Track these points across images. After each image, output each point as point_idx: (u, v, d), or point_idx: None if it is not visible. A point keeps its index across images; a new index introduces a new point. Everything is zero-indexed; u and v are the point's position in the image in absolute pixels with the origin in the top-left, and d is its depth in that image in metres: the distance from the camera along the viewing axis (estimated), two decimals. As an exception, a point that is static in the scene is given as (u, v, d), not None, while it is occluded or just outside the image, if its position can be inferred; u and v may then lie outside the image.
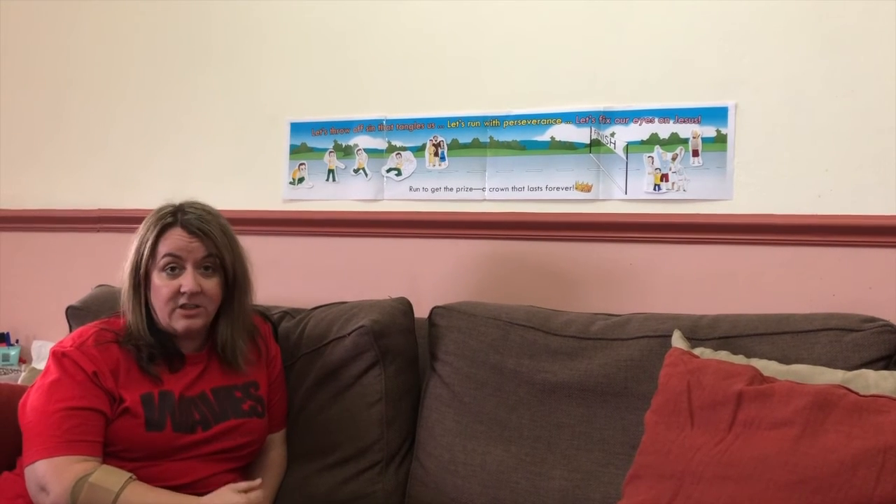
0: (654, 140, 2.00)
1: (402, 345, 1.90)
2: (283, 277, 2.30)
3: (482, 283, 2.14)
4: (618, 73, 2.04)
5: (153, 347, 1.64)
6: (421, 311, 1.97)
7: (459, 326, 1.87)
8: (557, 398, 1.75)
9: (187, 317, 1.64)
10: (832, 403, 1.36)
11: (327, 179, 2.32)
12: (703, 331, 1.69)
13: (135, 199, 2.51)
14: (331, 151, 2.32)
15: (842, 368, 1.52)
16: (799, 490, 1.29)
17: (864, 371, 1.49)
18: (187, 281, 1.62)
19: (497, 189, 2.14)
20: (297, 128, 2.36)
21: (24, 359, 2.64)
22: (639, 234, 2.01)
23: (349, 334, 1.86)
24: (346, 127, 2.30)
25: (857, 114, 1.83)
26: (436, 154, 2.21)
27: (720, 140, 1.95)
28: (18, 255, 2.72)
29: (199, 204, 1.71)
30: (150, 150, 2.55)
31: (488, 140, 2.15)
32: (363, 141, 2.28)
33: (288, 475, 1.84)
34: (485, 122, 2.16)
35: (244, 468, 1.76)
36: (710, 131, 1.95)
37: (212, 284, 1.66)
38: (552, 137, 2.09)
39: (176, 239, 1.64)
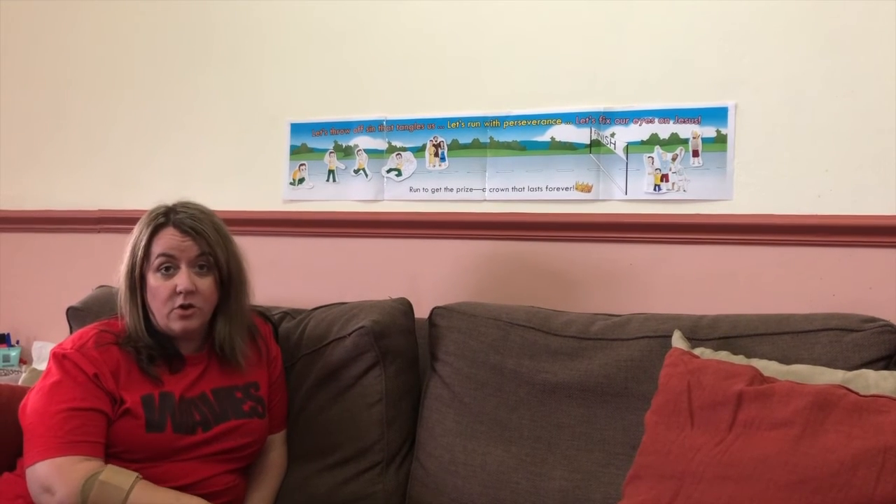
0: (654, 140, 2.01)
1: (403, 345, 1.91)
2: (283, 278, 2.30)
3: (482, 283, 2.14)
4: (618, 74, 2.04)
5: (152, 349, 1.65)
6: (421, 312, 1.97)
7: (460, 327, 1.87)
8: (558, 398, 1.75)
9: (184, 318, 1.64)
10: (832, 403, 1.36)
11: (327, 180, 2.32)
12: (703, 331, 1.69)
13: (135, 199, 2.51)
14: (331, 152, 2.32)
15: (842, 368, 1.52)
16: (799, 490, 1.29)
17: (864, 371, 1.49)
18: (182, 280, 1.62)
19: (497, 189, 2.14)
20: (297, 128, 2.36)
21: (24, 360, 2.64)
22: (639, 235, 2.01)
23: (349, 335, 1.86)
24: (347, 127, 2.30)
25: (857, 114, 1.83)
26: (436, 154, 2.21)
27: (720, 140, 1.95)
28: (19, 256, 2.73)
29: (192, 203, 1.72)
30: (150, 151, 2.55)
31: (488, 140, 2.15)
32: (363, 141, 2.28)
33: (288, 476, 1.84)
34: (485, 122, 2.16)
35: (245, 469, 1.76)
36: (710, 131, 1.96)
37: (206, 283, 1.66)
38: (552, 138, 2.09)
39: (169, 238, 1.64)
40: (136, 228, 1.68)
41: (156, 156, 2.54)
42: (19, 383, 1.93)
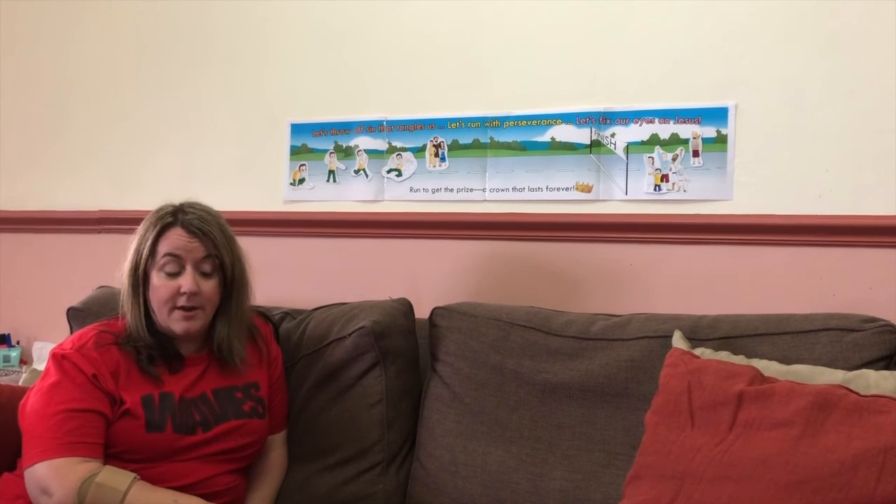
0: (654, 140, 2.00)
1: (403, 345, 1.90)
2: (283, 278, 2.30)
3: (483, 283, 2.14)
4: (618, 74, 2.04)
5: (153, 349, 1.64)
6: (421, 312, 1.97)
7: (460, 327, 1.87)
8: (558, 399, 1.75)
9: (186, 319, 1.64)
10: (832, 404, 1.36)
11: (328, 180, 2.32)
12: (703, 331, 1.69)
13: (136, 200, 2.51)
14: (331, 152, 2.32)
15: (842, 368, 1.52)
16: (799, 490, 1.29)
17: (864, 371, 1.49)
18: (187, 281, 1.62)
19: (497, 190, 2.14)
20: (297, 129, 2.36)
21: (25, 360, 2.64)
22: (639, 235, 2.01)
23: (350, 335, 1.86)
24: (347, 128, 2.30)
25: (857, 114, 1.83)
26: (436, 155, 2.21)
27: (720, 140, 1.95)
28: (20, 257, 2.73)
29: (199, 204, 1.71)
30: (150, 151, 2.55)
31: (489, 141, 2.15)
32: (363, 142, 2.28)
33: (288, 476, 1.84)
34: (485, 122, 2.16)
35: (245, 469, 1.76)
36: (710, 132, 1.95)
37: (210, 286, 1.66)
38: (552, 138, 2.09)
39: (176, 239, 1.64)
40: (142, 226, 1.68)
41: (156, 156, 2.54)
42: (20, 384, 1.93)
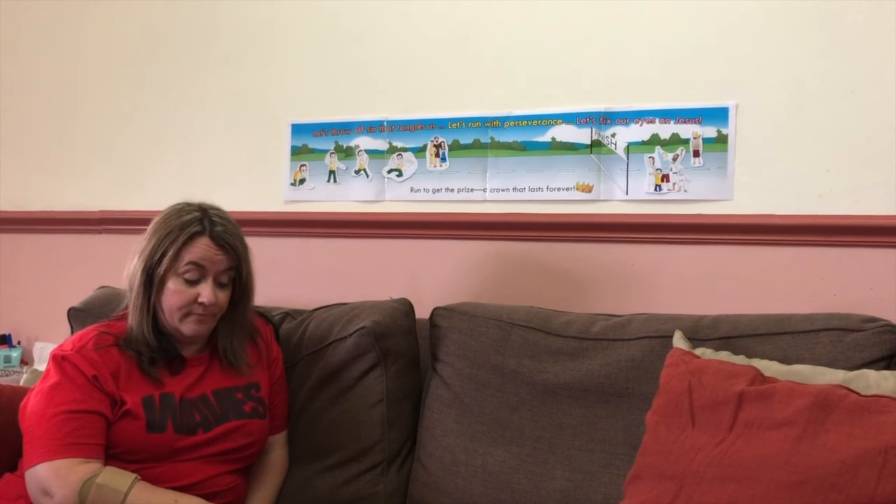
0: (654, 140, 2.01)
1: (404, 346, 1.91)
2: (284, 278, 2.30)
3: (483, 283, 2.14)
4: (618, 74, 2.04)
5: (153, 350, 1.64)
6: (422, 312, 1.97)
7: (460, 327, 1.87)
8: (559, 399, 1.75)
9: (199, 322, 1.64)
10: (833, 404, 1.36)
11: (328, 180, 2.33)
12: (704, 331, 1.69)
13: (137, 200, 2.52)
14: (332, 152, 2.32)
15: (843, 368, 1.52)
16: (800, 490, 1.29)
17: (865, 371, 1.49)
18: (207, 293, 1.62)
19: (498, 190, 2.14)
20: (298, 129, 2.36)
21: (25, 360, 2.64)
22: (640, 235, 2.01)
23: (350, 335, 1.86)
24: (347, 128, 2.30)
25: (857, 114, 1.83)
26: (437, 155, 2.21)
27: (721, 140, 1.95)
28: (21, 257, 2.73)
29: (221, 211, 1.70)
30: (151, 152, 2.55)
31: (489, 141, 2.15)
32: (364, 142, 2.28)
33: (289, 477, 1.84)
34: (486, 122, 2.16)
35: (246, 469, 1.76)
36: (710, 132, 1.95)
37: (225, 296, 1.68)
38: (553, 138, 2.09)
39: (204, 249, 1.62)
40: (161, 227, 1.64)
41: (157, 157, 2.54)
42: (20, 384, 1.93)
